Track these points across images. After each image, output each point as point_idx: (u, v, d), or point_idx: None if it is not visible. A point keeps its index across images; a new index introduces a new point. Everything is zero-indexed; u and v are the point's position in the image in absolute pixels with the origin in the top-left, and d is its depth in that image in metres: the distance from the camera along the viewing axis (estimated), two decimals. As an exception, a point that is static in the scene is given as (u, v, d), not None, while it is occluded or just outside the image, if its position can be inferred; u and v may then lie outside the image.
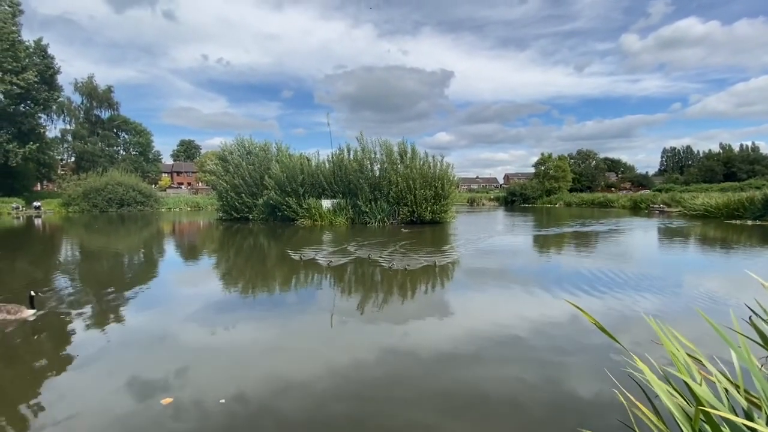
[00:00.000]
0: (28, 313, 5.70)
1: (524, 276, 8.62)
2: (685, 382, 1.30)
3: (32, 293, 5.87)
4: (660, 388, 1.51)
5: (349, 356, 4.46)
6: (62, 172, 52.58)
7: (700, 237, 16.34)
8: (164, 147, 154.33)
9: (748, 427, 1.28)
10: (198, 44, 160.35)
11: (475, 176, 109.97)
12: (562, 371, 4.00)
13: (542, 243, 15.06)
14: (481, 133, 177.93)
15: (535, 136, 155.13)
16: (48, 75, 37.16)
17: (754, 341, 2.04)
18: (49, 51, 37.53)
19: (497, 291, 7.53)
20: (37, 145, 37.39)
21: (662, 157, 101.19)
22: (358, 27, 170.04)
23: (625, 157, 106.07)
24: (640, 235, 17.40)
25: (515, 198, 59.79)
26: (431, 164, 22.91)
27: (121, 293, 7.25)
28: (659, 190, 53.70)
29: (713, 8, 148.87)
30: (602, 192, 62.72)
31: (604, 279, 7.98)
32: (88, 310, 6.20)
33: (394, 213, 22.50)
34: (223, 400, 3.40)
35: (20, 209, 34.71)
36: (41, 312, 5.89)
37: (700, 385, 1.38)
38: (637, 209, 37.63)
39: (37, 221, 28.10)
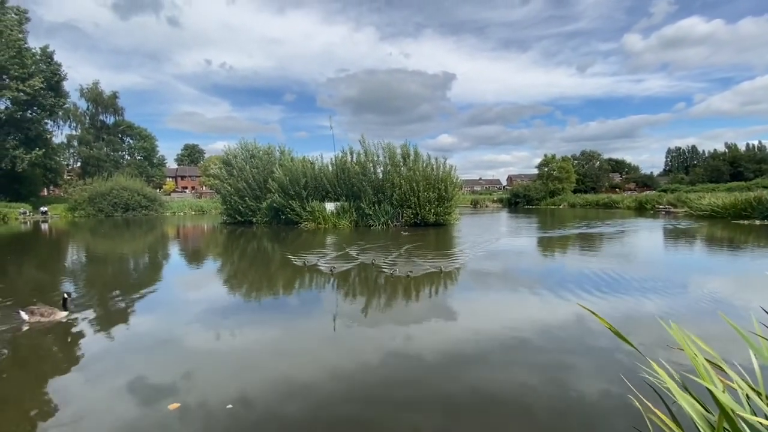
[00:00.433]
0: (61, 315, 5.80)
1: (533, 279, 8.54)
2: (709, 390, 1.26)
3: (66, 295, 6.00)
4: (679, 395, 1.46)
5: (353, 359, 4.43)
6: (68, 178, 52.99)
7: (709, 238, 16.17)
8: (168, 151, 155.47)
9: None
10: (201, 49, 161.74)
11: (478, 178, 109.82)
12: (570, 374, 3.94)
13: (551, 245, 14.96)
14: (483, 134, 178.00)
15: (538, 138, 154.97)
16: (54, 81, 37.51)
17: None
18: (55, 58, 37.90)
19: (506, 295, 7.48)
20: (44, 150, 37.69)
21: (667, 157, 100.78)
22: (360, 30, 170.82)
23: (629, 158, 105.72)
24: (649, 237, 17.25)
25: (519, 199, 59.59)
26: (434, 166, 22.87)
27: (128, 297, 7.26)
28: (664, 191, 53.36)
29: (717, 7, 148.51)
30: (606, 193, 62.39)
31: (618, 281, 7.90)
32: (94, 313, 6.20)
33: (398, 215, 22.46)
34: (230, 406, 3.38)
35: (27, 214, 34.99)
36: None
37: (723, 392, 1.34)
38: (642, 210, 37.38)
39: (44, 226, 28.30)
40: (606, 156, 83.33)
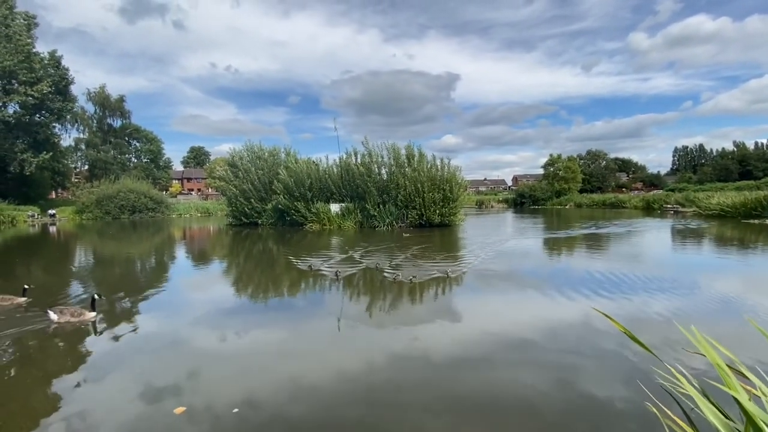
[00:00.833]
0: (90, 316, 5.90)
1: (548, 283, 8.42)
2: (735, 399, 1.20)
3: (95, 296, 6.12)
4: (701, 402, 1.41)
5: (359, 361, 4.41)
6: (76, 180, 53.52)
7: (719, 237, 15.95)
8: (175, 154, 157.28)
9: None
10: (207, 52, 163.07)
11: (483, 178, 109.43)
12: (577, 375, 3.87)
13: (560, 247, 14.83)
14: (488, 135, 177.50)
15: (543, 138, 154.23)
16: (62, 85, 37.91)
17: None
18: (64, 62, 38.31)
19: (516, 299, 7.40)
20: (51, 154, 38.06)
21: (674, 156, 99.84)
22: (364, 32, 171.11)
23: (635, 157, 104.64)
24: (659, 237, 17.05)
25: (524, 200, 59.29)
26: (439, 167, 22.79)
27: (135, 298, 7.27)
28: (672, 190, 52.86)
29: (723, 4, 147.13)
30: (613, 192, 61.90)
31: (628, 282, 7.79)
32: (101, 314, 6.21)
33: (403, 216, 22.40)
34: (236, 410, 3.35)
35: (36, 217, 35.36)
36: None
37: (749, 400, 1.28)
38: (650, 210, 37.02)
39: (52, 228, 28.58)
40: (612, 155, 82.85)
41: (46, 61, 36.35)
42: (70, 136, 51.30)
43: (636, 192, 65.37)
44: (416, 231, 20.20)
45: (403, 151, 23.30)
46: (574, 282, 7.89)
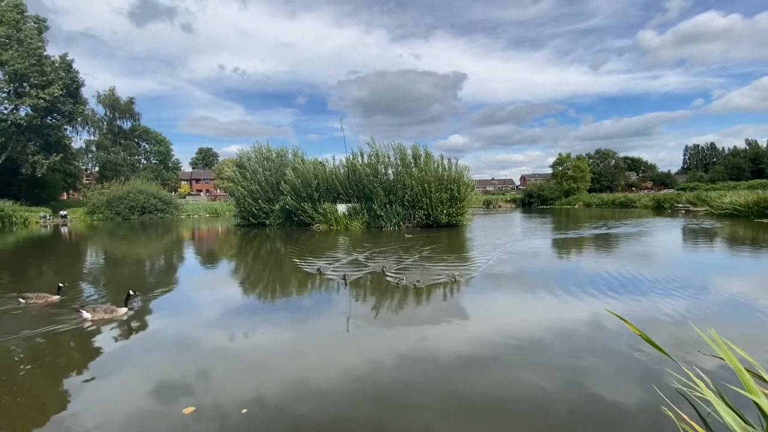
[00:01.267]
0: (122, 312, 6.07)
1: (559, 284, 8.36)
2: (756, 403, 1.16)
3: (131, 292, 6.32)
4: (720, 406, 1.36)
5: (366, 361, 4.40)
6: (87, 182, 54.30)
7: (732, 237, 15.67)
8: (183, 155, 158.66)
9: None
10: (215, 55, 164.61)
11: (490, 178, 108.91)
12: (587, 377, 3.82)
13: (571, 248, 14.69)
14: (495, 134, 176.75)
15: (551, 137, 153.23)
16: (73, 88, 38.44)
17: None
18: (74, 66, 38.85)
19: (531, 305, 7.33)
20: (61, 155, 38.62)
21: (685, 154, 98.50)
22: (371, 33, 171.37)
23: (645, 156, 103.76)
24: (672, 237, 16.81)
25: (532, 199, 58.85)
26: (446, 167, 22.70)
27: (144, 297, 7.33)
28: (683, 189, 52.12)
29: (733, 1, 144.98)
30: (623, 192, 61.17)
31: (644, 283, 7.69)
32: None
33: (410, 216, 22.35)
34: (245, 410, 3.35)
35: (48, 218, 35.90)
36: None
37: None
38: (660, 209, 36.52)
39: (64, 229, 29.00)
40: (622, 154, 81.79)
41: (57, 65, 36.89)
42: (81, 138, 52.08)
43: (646, 191, 64.51)
44: (423, 231, 20.14)
45: (409, 151, 23.27)
46: (585, 283, 7.80)
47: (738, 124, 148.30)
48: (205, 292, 8.31)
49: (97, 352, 4.90)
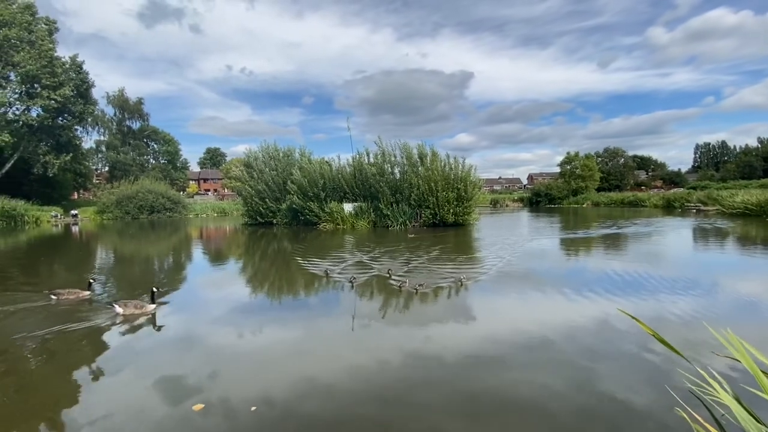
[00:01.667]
0: (151, 308, 6.27)
1: (570, 286, 8.29)
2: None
3: (154, 289, 6.49)
4: (736, 408, 1.34)
5: (372, 360, 4.40)
6: (97, 181, 54.98)
7: (745, 236, 15.42)
8: (191, 155, 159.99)
9: None
10: (222, 55, 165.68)
11: (497, 177, 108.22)
12: (595, 376, 3.78)
13: (580, 248, 14.57)
14: (503, 133, 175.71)
15: (559, 135, 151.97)
16: (83, 89, 38.93)
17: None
18: (84, 67, 39.32)
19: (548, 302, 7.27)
20: (71, 155, 39.15)
21: (695, 153, 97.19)
22: (377, 32, 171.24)
23: (655, 154, 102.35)
24: (683, 236, 16.58)
25: (540, 198, 58.40)
26: (452, 165, 22.62)
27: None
28: (694, 188, 51.39)
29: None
30: (632, 191, 60.47)
31: (658, 284, 7.60)
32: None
33: (416, 216, 22.31)
34: (254, 408, 3.37)
35: (59, 217, 36.43)
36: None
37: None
38: (670, 208, 36.05)
39: (75, 228, 29.40)
40: (631, 153, 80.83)
41: (67, 66, 37.37)
42: (91, 139, 52.77)
43: (656, 190, 63.70)
44: (429, 231, 20.08)
45: (415, 151, 23.22)
46: (593, 282, 7.73)
47: (750, 122, 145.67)
48: (213, 291, 8.37)
49: (109, 349, 4.95)
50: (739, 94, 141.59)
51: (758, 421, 1.44)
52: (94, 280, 7.61)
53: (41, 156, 36.98)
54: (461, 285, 7.65)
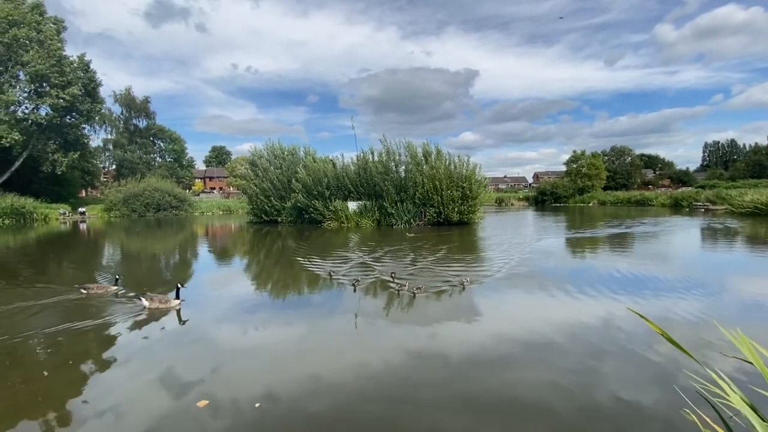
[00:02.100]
0: (175, 303, 6.46)
1: (579, 288, 8.22)
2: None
3: (179, 285, 6.66)
4: (746, 410, 1.31)
5: (376, 358, 4.40)
6: (104, 180, 55.49)
7: (754, 236, 15.22)
8: (197, 153, 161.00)
9: None
10: (228, 54, 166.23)
11: (502, 176, 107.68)
12: (600, 376, 3.75)
13: (586, 247, 14.46)
14: (508, 131, 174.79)
15: (565, 134, 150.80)
16: (91, 88, 39.24)
17: None
18: (92, 66, 39.61)
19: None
20: (79, 153, 39.49)
21: (704, 151, 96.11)
22: (382, 30, 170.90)
23: (663, 153, 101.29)
24: (692, 236, 16.40)
25: (546, 197, 58.00)
26: (457, 164, 22.54)
27: (160, 292, 7.43)
28: (702, 187, 50.70)
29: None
30: (639, 190, 59.87)
31: (666, 284, 7.52)
32: (128, 308, 6.40)
33: (421, 214, 22.28)
34: (258, 404, 3.38)
35: (67, 215, 36.81)
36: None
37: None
38: (678, 207, 35.66)
39: (83, 226, 29.70)
40: (638, 151, 79.93)
41: (75, 65, 37.67)
42: (98, 137, 53.21)
43: (663, 189, 63.00)
44: (434, 229, 20.02)
45: (419, 149, 23.17)
46: (600, 282, 7.67)
47: (759, 120, 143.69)
48: (218, 289, 8.42)
49: (116, 346, 5.00)
50: (749, 91, 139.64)
51: (765, 421, 1.41)
52: (120, 276, 7.93)
53: (50, 154, 37.35)
54: (463, 289, 7.34)
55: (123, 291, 7.57)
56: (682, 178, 78.96)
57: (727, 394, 1.39)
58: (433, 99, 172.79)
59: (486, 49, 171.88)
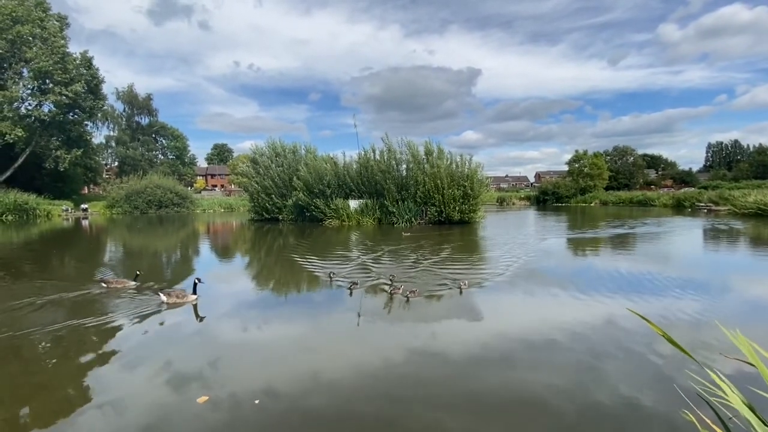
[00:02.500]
0: (193, 298, 6.61)
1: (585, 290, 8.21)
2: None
3: (196, 280, 6.78)
4: (746, 411, 1.31)
5: (376, 356, 4.41)
6: (107, 176, 55.65)
7: (757, 238, 15.16)
8: (199, 151, 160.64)
9: None
10: (230, 52, 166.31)
11: (504, 175, 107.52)
12: (600, 376, 3.74)
13: (594, 248, 14.43)
14: (510, 130, 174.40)
15: (567, 133, 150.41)
16: (93, 85, 39.30)
17: None
18: (95, 63, 39.65)
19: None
20: (82, 150, 39.60)
21: (707, 152, 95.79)
22: (385, 28, 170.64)
23: (665, 153, 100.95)
24: (694, 237, 16.35)
25: (547, 197, 57.86)
26: (459, 163, 22.52)
27: (162, 288, 7.47)
28: (705, 188, 50.54)
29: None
30: (641, 190, 59.68)
31: (670, 285, 7.50)
32: (131, 304, 6.42)
33: (422, 213, 22.27)
34: (257, 401, 3.39)
35: (69, 211, 36.94)
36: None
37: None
38: (680, 208, 35.54)
39: (85, 222, 29.80)
40: (641, 152, 79.61)
41: (78, 62, 37.72)
42: (101, 134, 53.41)
43: (665, 189, 62.79)
44: (434, 228, 20.00)
45: (421, 148, 23.15)
46: (600, 282, 7.66)
47: (763, 120, 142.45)
48: (219, 286, 8.43)
49: (118, 341, 5.01)
50: (753, 92, 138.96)
51: (764, 423, 1.41)
52: (139, 272, 8.06)
53: (53, 151, 37.45)
54: (461, 292, 7.04)
55: (139, 285, 7.75)
56: (684, 179, 78.69)
57: (727, 395, 1.38)
58: (435, 97, 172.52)
59: (489, 47, 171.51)
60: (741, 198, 27.37)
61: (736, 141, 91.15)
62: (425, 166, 22.54)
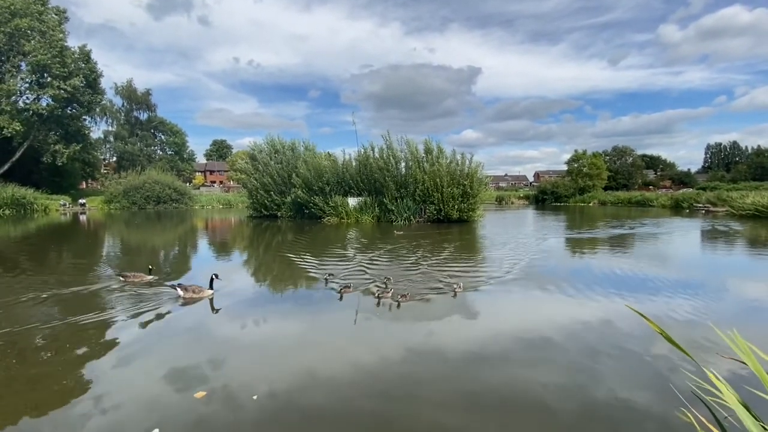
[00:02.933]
0: (209, 293, 6.73)
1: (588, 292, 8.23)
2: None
3: (214, 276, 6.86)
4: (741, 411, 1.32)
5: (374, 354, 4.41)
6: (105, 171, 55.55)
7: (755, 239, 15.22)
8: (198, 147, 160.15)
9: None
10: (230, 47, 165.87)
11: (503, 174, 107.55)
12: (597, 376, 3.76)
13: (592, 248, 14.46)
14: (510, 129, 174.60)
15: (567, 133, 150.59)
16: (92, 79, 39.14)
17: None
18: (94, 57, 39.51)
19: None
20: (81, 145, 39.50)
21: (706, 153, 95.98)
22: (386, 25, 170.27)
23: (664, 154, 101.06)
24: (692, 238, 16.41)
25: (546, 196, 57.92)
26: (458, 162, 22.52)
27: (161, 283, 7.48)
28: (703, 189, 50.68)
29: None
30: (640, 190, 59.81)
31: (669, 285, 7.53)
32: (129, 300, 6.41)
33: (421, 211, 22.27)
34: (255, 396, 3.40)
35: (67, 206, 36.86)
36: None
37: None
38: (678, 209, 35.63)
39: (83, 217, 29.73)
40: (640, 152, 79.69)
41: (76, 56, 37.54)
42: (99, 129, 53.16)
43: (664, 190, 62.95)
44: (434, 226, 20.00)
45: (420, 146, 23.14)
46: (598, 282, 7.68)
47: (763, 122, 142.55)
48: (217, 282, 8.40)
49: (117, 337, 5.01)
50: (752, 93, 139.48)
51: (762, 424, 1.42)
52: (153, 267, 8.18)
53: (51, 145, 37.34)
54: (455, 295, 6.76)
55: (156, 278, 7.87)
56: (683, 180, 78.90)
57: (723, 395, 1.39)
58: (435, 96, 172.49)
59: (489, 46, 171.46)
60: (739, 199, 27.44)
61: (734, 142, 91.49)
62: (425, 164, 22.53)
